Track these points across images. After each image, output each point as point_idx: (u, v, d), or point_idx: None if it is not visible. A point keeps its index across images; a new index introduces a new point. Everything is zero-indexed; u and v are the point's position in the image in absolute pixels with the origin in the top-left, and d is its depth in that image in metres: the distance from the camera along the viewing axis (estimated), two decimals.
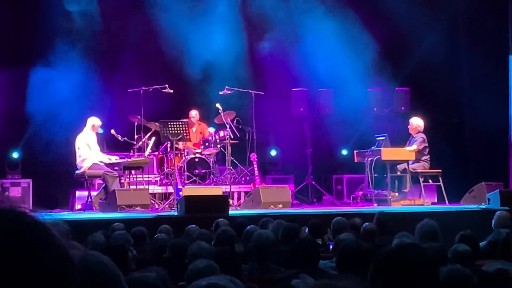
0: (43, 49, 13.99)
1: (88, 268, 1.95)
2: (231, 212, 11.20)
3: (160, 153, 14.17)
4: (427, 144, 13.78)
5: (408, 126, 14.03)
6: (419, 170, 13.56)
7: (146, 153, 13.69)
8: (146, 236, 7.79)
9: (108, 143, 13.93)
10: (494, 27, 15.27)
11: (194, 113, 14.53)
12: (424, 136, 13.81)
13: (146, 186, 13.30)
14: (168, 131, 13.16)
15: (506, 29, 15.11)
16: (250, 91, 14.27)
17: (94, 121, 12.99)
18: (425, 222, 6.96)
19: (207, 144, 14.00)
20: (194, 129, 14.31)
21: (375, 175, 13.71)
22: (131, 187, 13.14)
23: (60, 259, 1.26)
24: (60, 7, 14.23)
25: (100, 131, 13.31)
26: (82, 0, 14.44)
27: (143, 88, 13.59)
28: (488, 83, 15.27)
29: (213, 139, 13.93)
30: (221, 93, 14.13)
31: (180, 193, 12.75)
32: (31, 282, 1.21)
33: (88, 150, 12.75)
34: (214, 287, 2.64)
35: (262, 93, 14.49)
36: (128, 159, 13.18)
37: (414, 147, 13.69)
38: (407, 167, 13.57)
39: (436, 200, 14.02)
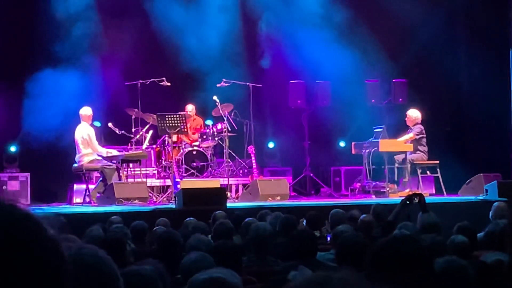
0: (41, 43, 13.96)
1: (82, 261, 1.94)
2: (229, 204, 11.19)
3: (158, 146, 14.14)
4: (424, 135, 13.77)
5: (406, 118, 14.01)
6: (417, 162, 13.56)
7: (144, 146, 13.66)
8: (146, 230, 7.77)
9: (105, 137, 13.91)
10: (493, 18, 15.25)
11: (190, 108, 14.48)
12: (421, 127, 13.80)
13: (144, 179, 13.29)
14: (165, 124, 13.13)
15: (505, 20, 15.09)
16: (247, 83, 14.26)
17: (86, 111, 12.91)
18: (426, 214, 6.98)
19: (204, 136, 13.97)
20: (188, 125, 14.16)
21: (373, 167, 13.71)
22: (129, 180, 13.12)
23: (49, 252, 1.24)
24: (59, 1, 14.19)
25: (97, 124, 13.26)
26: None
27: (140, 81, 13.58)
28: (486, 74, 15.24)
29: (211, 131, 13.90)
30: (218, 85, 14.10)
31: (178, 186, 12.75)
32: (18, 275, 1.19)
33: (86, 145, 12.70)
34: (214, 280, 2.63)
35: (260, 85, 14.48)
36: (126, 152, 13.16)
37: (410, 135, 13.70)
38: (405, 157, 13.57)
39: (434, 192, 14.03)
